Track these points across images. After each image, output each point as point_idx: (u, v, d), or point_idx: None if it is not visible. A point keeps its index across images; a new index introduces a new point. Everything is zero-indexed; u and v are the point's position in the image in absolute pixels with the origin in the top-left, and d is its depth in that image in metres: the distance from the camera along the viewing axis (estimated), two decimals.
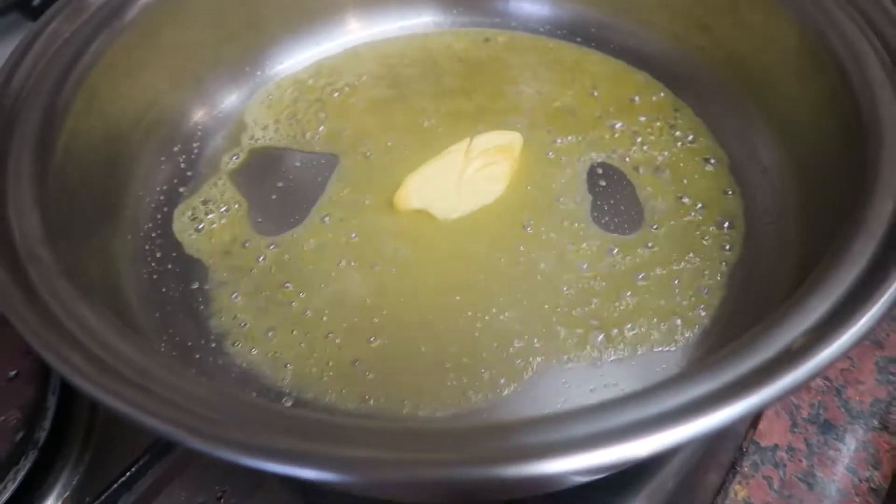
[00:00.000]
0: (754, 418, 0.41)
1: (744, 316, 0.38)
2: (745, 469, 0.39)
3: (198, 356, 0.38)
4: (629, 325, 0.39)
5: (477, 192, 0.44)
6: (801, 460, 0.39)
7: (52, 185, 0.34)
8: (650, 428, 0.23)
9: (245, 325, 0.40)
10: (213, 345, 0.39)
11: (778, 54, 0.43)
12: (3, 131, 0.34)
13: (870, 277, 0.26)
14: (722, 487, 0.39)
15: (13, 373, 0.39)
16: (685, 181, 0.45)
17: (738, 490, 0.38)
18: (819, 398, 0.41)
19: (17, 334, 0.40)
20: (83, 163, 0.38)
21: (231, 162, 0.48)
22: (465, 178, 0.44)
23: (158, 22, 0.44)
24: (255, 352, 0.38)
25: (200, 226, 0.44)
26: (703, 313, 0.39)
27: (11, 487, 0.37)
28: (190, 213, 0.45)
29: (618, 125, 0.48)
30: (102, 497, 0.35)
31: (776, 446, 0.40)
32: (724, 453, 0.40)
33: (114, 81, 0.41)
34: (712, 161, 0.46)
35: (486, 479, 0.22)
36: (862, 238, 0.27)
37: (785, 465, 0.39)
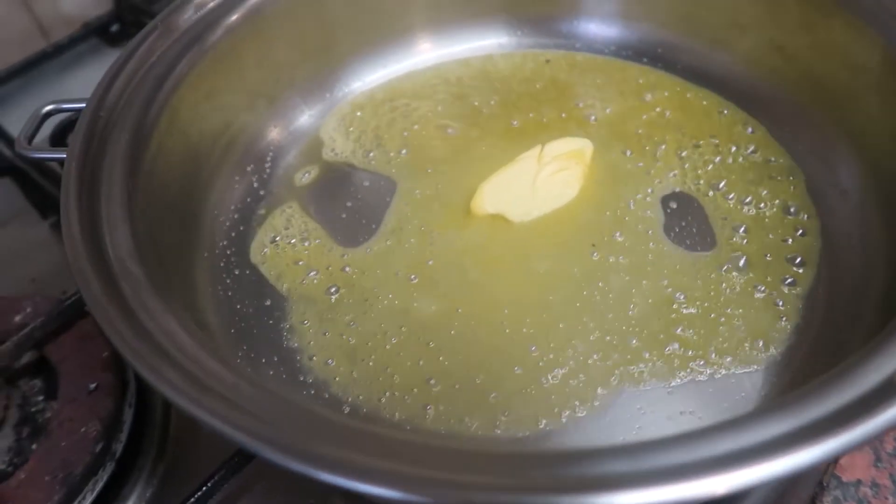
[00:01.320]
0: None
1: (826, 341, 0.37)
2: None
3: (271, 372, 0.39)
4: (707, 348, 0.38)
5: (550, 195, 0.44)
6: (886, 497, 0.37)
7: (138, 204, 0.35)
8: (736, 463, 0.21)
9: (316, 341, 0.40)
10: (286, 360, 0.39)
11: (858, 72, 0.42)
12: (97, 151, 0.35)
13: None
14: None
15: (93, 385, 0.40)
16: (758, 201, 0.44)
17: None
18: None
19: (96, 349, 0.42)
20: (165, 182, 0.39)
21: (302, 180, 0.48)
22: (538, 182, 0.44)
23: (238, 46, 0.45)
24: (326, 367, 0.39)
25: (273, 244, 0.45)
26: (782, 336, 0.38)
27: (90, 498, 0.37)
28: (263, 232, 0.45)
29: (688, 146, 0.47)
30: None
31: (859, 482, 0.38)
32: (804, 488, 0.38)
33: (194, 103, 0.42)
34: (788, 183, 0.44)
35: None
36: None
37: (869, 502, 0.37)
